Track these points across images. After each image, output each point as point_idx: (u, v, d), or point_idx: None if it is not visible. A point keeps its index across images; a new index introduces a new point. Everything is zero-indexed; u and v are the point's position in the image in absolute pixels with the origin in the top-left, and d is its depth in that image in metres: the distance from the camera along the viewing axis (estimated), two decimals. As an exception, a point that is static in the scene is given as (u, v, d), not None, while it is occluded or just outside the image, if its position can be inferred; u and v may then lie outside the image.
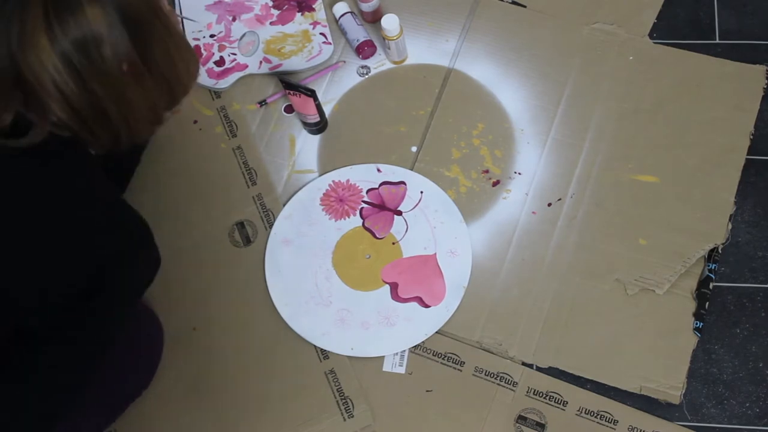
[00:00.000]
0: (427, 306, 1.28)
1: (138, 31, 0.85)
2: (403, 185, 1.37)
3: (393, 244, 1.33)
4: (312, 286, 1.31)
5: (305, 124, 1.42)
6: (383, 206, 1.36)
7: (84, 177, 0.93)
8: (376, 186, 1.37)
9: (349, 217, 1.35)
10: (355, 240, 1.34)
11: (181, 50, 0.92)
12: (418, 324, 1.27)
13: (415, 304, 1.28)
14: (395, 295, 1.29)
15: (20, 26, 0.79)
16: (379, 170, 1.38)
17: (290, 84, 1.37)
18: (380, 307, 1.29)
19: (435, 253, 1.32)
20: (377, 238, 1.33)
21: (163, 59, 0.89)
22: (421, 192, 1.36)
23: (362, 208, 1.36)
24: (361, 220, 1.35)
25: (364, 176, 1.38)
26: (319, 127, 1.42)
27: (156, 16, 0.88)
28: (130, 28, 0.84)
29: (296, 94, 1.35)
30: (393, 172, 1.38)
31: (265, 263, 1.33)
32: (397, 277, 1.30)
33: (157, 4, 0.89)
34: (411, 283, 1.30)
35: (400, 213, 1.35)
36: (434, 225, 1.34)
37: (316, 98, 1.34)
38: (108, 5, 0.81)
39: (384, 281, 1.30)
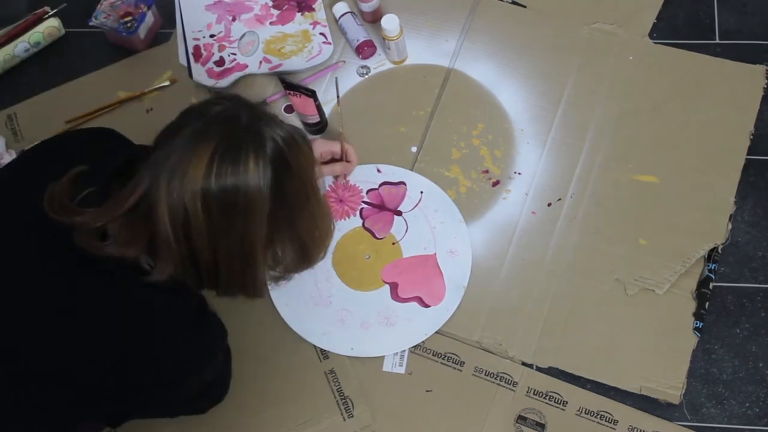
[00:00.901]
0: (427, 306, 1.28)
1: (289, 207, 0.90)
2: (403, 185, 1.37)
3: (393, 244, 1.33)
4: (312, 286, 1.31)
5: (305, 124, 1.42)
6: (383, 206, 1.36)
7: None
8: (376, 186, 1.37)
9: (349, 218, 1.35)
10: (355, 240, 1.34)
11: (320, 226, 0.97)
12: (418, 324, 1.27)
13: (415, 304, 1.28)
14: (395, 295, 1.29)
15: (186, 152, 0.83)
16: (379, 170, 1.38)
17: (290, 84, 1.37)
18: (380, 307, 1.29)
19: (435, 253, 1.32)
20: (377, 239, 1.33)
21: (305, 232, 0.95)
22: (421, 192, 1.36)
23: (362, 208, 1.36)
24: (361, 221, 1.35)
25: (364, 176, 1.38)
26: (319, 127, 1.42)
27: (307, 194, 0.93)
28: (282, 203, 0.88)
29: (296, 94, 1.35)
30: (393, 173, 1.38)
31: (265, 263, 1.33)
32: (397, 277, 1.30)
33: (313, 179, 0.94)
34: (411, 283, 1.30)
35: (400, 213, 1.35)
36: (434, 225, 1.34)
37: (316, 98, 1.34)
38: (267, 168, 0.85)
39: (384, 281, 1.30)
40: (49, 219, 0.86)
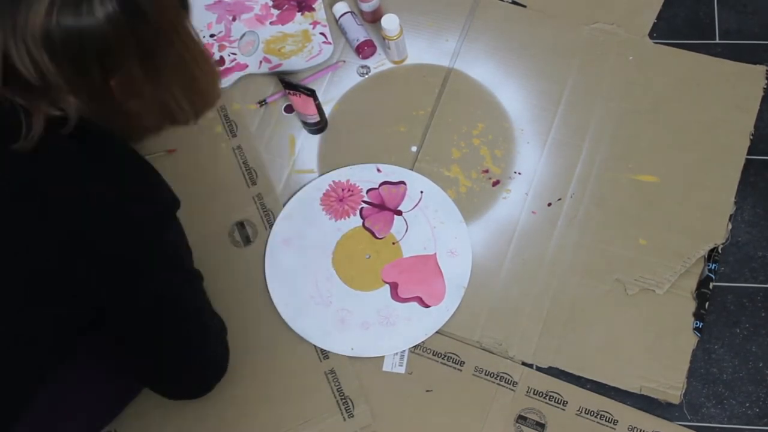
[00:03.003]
0: (427, 306, 1.28)
1: (144, 44, 0.84)
2: (403, 185, 1.37)
3: (393, 244, 1.33)
4: (312, 286, 1.31)
5: (305, 124, 1.42)
6: (383, 206, 1.36)
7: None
8: (376, 186, 1.37)
9: (349, 217, 1.35)
10: (355, 240, 1.34)
11: (191, 55, 0.91)
12: (418, 324, 1.27)
13: (415, 304, 1.28)
14: (395, 295, 1.29)
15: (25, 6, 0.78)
16: (379, 170, 1.38)
17: (290, 84, 1.37)
18: (380, 307, 1.29)
19: (435, 253, 1.32)
20: (377, 238, 1.33)
21: (174, 68, 0.89)
22: (421, 192, 1.36)
23: (362, 208, 1.36)
24: (361, 220, 1.35)
25: (364, 176, 1.38)
26: (319, 127, 1.42)
27: (168, 40, 0.87)
28: (130, 41, 0.83)
29: (296, 94, 1.35)
30: (393, 172, 1.38)
31: (265, 263, 1.33)
32: (397, 277, 1.30)
33: (172, 26, 0.88)
34: (411, 283, 1.30)
35: (400, 213, 1.35)
36: (434, 225, 1.34)
37: (316, 98, 1.34)
38: (115, 6, 0.80)
39: (384, 281, 1.30)
40: None
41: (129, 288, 0.94)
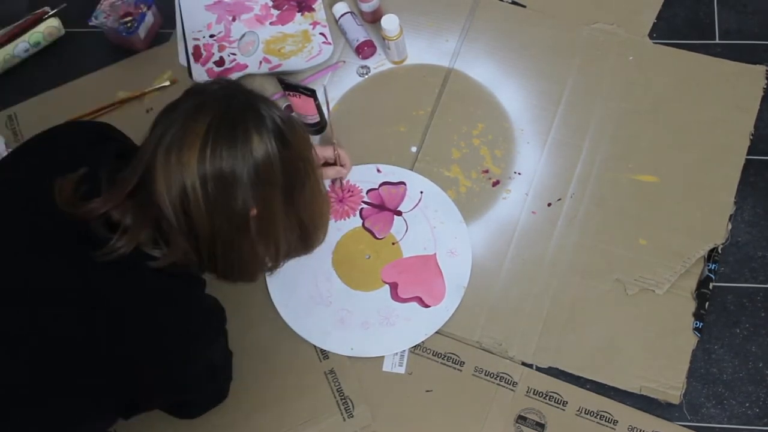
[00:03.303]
0: (427, 306, 1.28)
1: (284, 183, 0.90)
2: (403, 185, 1.37)
3: (393, 244, 1.33)
4: (312, 286, 1.31)
5: (305, 125, 1.42)
6: (383, 206, 1.36)
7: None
8: (376, 186, 1.37)
9: (349, 218, 1.35)
10: (355, 240, 1.34)
11: (318, 201, 0.98)
12: (418, 324, 1.27)
13: (415, 304, 1.28)
14: (395, 295, 1.29)
15: (180, 132, 0.83)
16: (379, 170, 1.38)
17: (290, 85, 1.37)
18: (380, 307, 1.29)
19: (435, 253, 1.32)
20: (377, 239, 1.33)
21: (303, 208, 0.95)
22: (421, 192, 1.36)
23: (362, 208, 1.36)
24: (361, 221, 1.35)
25: (364, 176, 1.38)
26: (318, 127, 1.42)
27: (306, 171, 0.93)
28: (274, 178, 0.88)
29: (296, 95, 1.35)
30: (393, 172, 1.38)
31: (265, 263, 1.33)
32: (397, 277, 1.30)
33: (310, 158, 0.94)
34: (411, 283, 1.30)
35: (400, 213, 1.35)
36: (434, 225, 1.34)
37: (316, 98, 1.34)
38: (271, 140, 0.86)
39: (384, 281, 1.30)
40: (54, 213, 0.86)
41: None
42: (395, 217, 1.35)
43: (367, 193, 1.37)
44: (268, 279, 1.31)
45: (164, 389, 1.00)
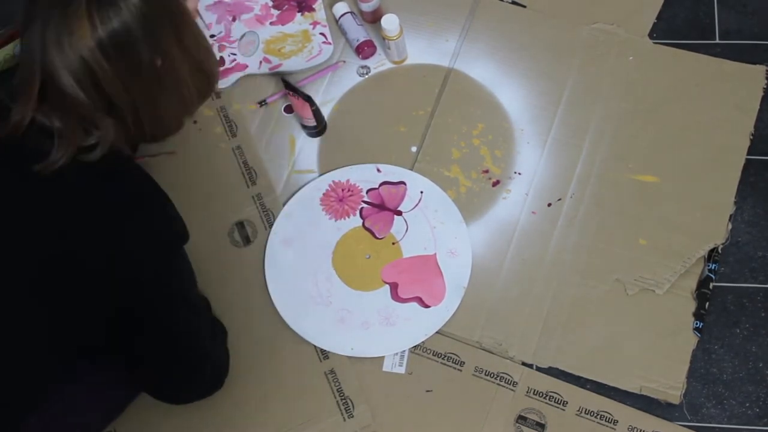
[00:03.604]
0: (427, 306, 1.28)
1: (169, 23, 0.91)
2: (403, 185, 1.37)
3: (393, 244, 1.33)
4: (312, 286, 1.31)
5: (304, 127, 1.42)
6: (383, 206, 1.36)
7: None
8: (376, 186, 1.37)
9: (349, 217, 1.35)
10: (355, 240, 1.34)
11: (203, 38, 0.99)
12: (418, 324, 1.27)
13: (415, 304, 1.28)
14: (395, 295, 1.29)
15: (61, 17, 0.84)
16: (379, 170, 1.38)
17: (290, 85, 1.37)
18: (380, 307, 1.29)
19: (435, 254, 1.32)
20: (377, 238, 1.33)
21: (194, 47, 0.96)
22: (421, 192, 1.36)
23: (362, 208, 1.36)
24: (361, 220, 1.35)
25: (364, 176, 1.38)
26: (317, 131, 1.41)
27: (179, 9, 0.94)
28: (162, 20, 0.90)
29: (296, 96, 1.35)
30: (393, 172, 1.38)
31: (265, 263, 1.33)
32: (397, 277, 1.30)
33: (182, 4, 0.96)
34: (411, 283, 1.30)
35: (400, 213, 1.35)
36: (434, 225, 1.34)
37: (313, 104, 1.34)
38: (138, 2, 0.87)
39: (384, 281, 1.30)
40: None
41: (141, 309, 0.99)
42: (395, 216, 1.35)
43: (367, 192, 1.37)
44: (268, 279, 1.31)
45: (147, 255, 0.98)
